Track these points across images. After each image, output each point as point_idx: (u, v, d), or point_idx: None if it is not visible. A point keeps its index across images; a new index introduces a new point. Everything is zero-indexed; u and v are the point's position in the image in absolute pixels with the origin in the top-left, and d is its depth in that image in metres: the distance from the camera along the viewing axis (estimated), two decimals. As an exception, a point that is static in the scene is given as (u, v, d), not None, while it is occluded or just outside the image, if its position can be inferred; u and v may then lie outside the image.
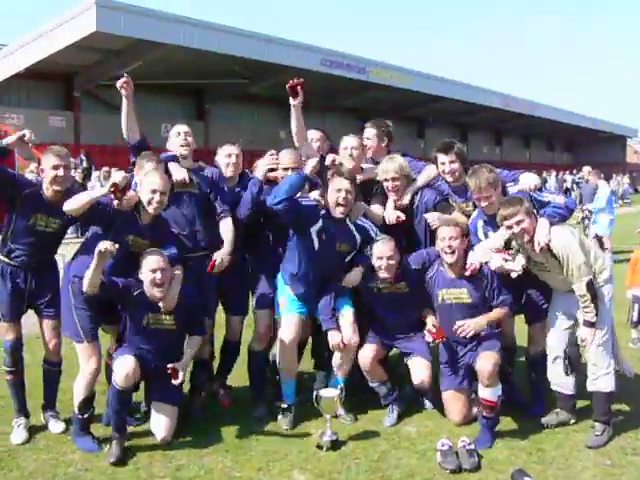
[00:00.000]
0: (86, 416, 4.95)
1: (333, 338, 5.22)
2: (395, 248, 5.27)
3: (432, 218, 5.38)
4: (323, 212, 5.29)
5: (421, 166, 5.87)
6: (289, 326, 5.33)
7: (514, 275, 5.12)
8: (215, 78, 28.92)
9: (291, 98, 5.48)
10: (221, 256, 5.21)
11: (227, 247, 5.31)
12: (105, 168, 21.09)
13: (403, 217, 5.44)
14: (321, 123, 24.19)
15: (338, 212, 5.25)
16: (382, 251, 5.23)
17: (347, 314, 5.34)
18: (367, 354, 5.38)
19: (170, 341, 5.08)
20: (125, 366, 4.78)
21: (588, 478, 4.47)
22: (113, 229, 4.94)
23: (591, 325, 4.90)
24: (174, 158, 5.50)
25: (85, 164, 22.39)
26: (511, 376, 5.74)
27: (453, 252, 5.13)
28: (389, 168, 5.51)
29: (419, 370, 5.38)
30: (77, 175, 19.41)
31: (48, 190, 4.99)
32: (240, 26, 27.11)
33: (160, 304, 4.97)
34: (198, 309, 5.22)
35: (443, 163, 5.52)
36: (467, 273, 5.16)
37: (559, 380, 5.26)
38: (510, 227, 4.90)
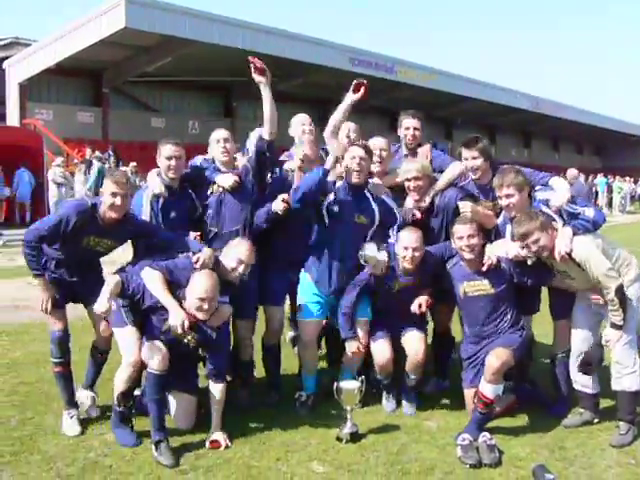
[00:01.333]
0: (123, 409, 4.87)
1: (351, 347, 5.33)
2: (421, 239, 5.24)
3: (464, 206, 5.27)
4: (338, 185, 5.35)
5: (449, 161, 5.83)
6: (307, 330, 5.50)
7: (530, 262, 5.04)
8: (243, 76, 28.87)
9: (352, 93, 5.55)
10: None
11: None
12: (133, 163, 21.26)
13: (419, 215, 5.43)
14: (348, 122, 24.12)
15: (354, 178, 5.26)
16: (409, 241, 5.21)
17: (363, 321, 5.45)
18: (386, 354, 5.40)
19: (190, 351, 4.99)
20: (158, 350, 4.73)
21: (611, 477, 4.41)
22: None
23: (618, 328, 4.83)
24: (213, 169, 5.53)
25: (113, 159, 22.59)
26: (528, 371, 5.71)
27: (472, 250, 5.09)
28: (411, 168, 5.48)
29: (413, 342, 5.40)
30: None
31: (105, 214, 4.93)
32: (267, 24, 27.20)
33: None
34: (224, 348, 5.11)
35: (466, 159, 5.48)
36: (484, 269, 5.11)
37: (583, 379, 5.19)
38: (528, 246, 4.84)
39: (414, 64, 34.23)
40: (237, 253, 5.00)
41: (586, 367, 5.10)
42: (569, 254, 4.77)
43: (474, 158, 5.43)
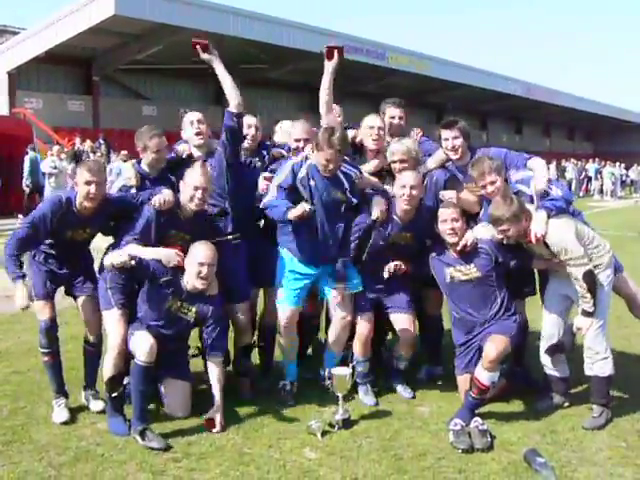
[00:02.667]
0: (115, 395, 4.85)
1: None
2: (420, 180, 5.29)
3: (448, 195, 5.32)
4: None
5: (435, 148, 5.82)
6: (283, 317, 5.40)
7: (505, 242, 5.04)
8: (233, 63, 28.86)
9: (326, 60, 5.43)
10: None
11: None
12: (124, 152, 21.14)
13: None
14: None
15: (328, 172, 5.15)
16: (407, 179, 5.22)
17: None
18: (365, 328, 5.41)
19: (186, 331, 5.05)
20: (146, 340, 4.73)
21: (602, 460, 4.43)
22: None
23: (589, 315, 4.87)
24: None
25: (104, 148, 22.48)
26: (523, 355, 5.73)
27: (455, 233, 5.09)
28: (397, 150, 5.44)
29: (402, 320, 5.43)
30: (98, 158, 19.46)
31: (81, 205, 4.92)
32: (259, 10, 27.10)
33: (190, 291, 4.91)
34: (222, 322, 5.13)
35: (446, 139, 5.47)
36: (458, 248, 5.11)
37: (553, 364, 5.24)
38: (498, 231, 4.91)
39: (405, 50, 34.17)
40: (191, 181, 4.97)
41: (554, 351, 5.14)
42: (543, 237, 4.80)
43: (455, 138, 5.44)
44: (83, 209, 4.93)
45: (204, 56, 5.38)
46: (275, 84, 34.02)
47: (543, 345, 5.26)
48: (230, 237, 5.37)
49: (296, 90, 35.45)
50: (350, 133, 5.66)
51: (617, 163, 40.93)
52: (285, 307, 5.38)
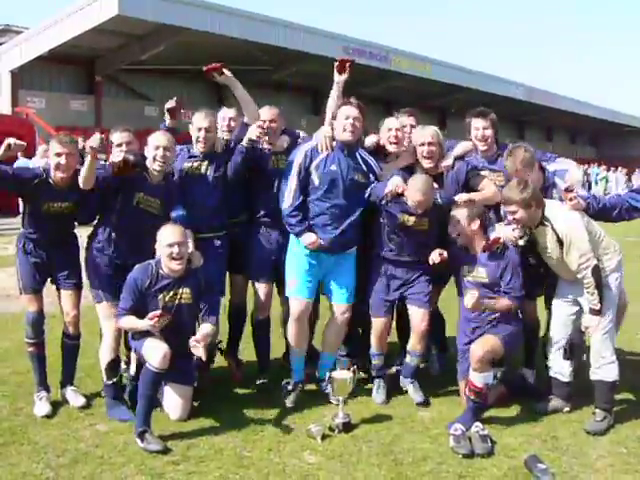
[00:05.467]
0: (115, 381, 4.99)
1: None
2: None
3: (460, 197, 5.20)
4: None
5: (453, 143, 5.82)
6: (297, 309, 5.38)
7: (521, 242, 5.04)
8: (237, 64, 28.69)
9: (337, 73, 5.44)
10: None
11: None
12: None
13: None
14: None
15: (346, 137, 5.23)
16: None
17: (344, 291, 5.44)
18: (381, 322, 5.44)
19: (186, 319, 5.01)
20: (160, 347, 4.72)
21: (603, 467, 4.41)
22: (122, 191, 5.10)
23: (596, 313, 4.85)
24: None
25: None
26: (534, 356, 5.75)
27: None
28: (425, 133, 5.41)
29: (417, 316, 5.38)
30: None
31: (55, 176, 5.03)
32: (262, 12, 27.07)
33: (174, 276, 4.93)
34: (213, 289, 5.18)
35: (477, 128, 5.48)
36: (486, 247, 5.05)
37: (559, 367, 5.23)
38: (506, 212, 4.90)
39: (409, 53, 34.07)
40: (152, 141, 5.12)
41: (570, 353, 5.11)
42: (553, 228, 4.80)
43: (485, 128, 5.46)
44: (59, 180, 5.02)
45: (220, 79, 5.42)
46: (278, 86, 33.97)
47: (552, 349, 5.24)
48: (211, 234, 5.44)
49: (299, 93, 35.43)
50: (372, 139, 5.67)
51: (619, 168, 40.81)
52: (298, 299, 5.38)
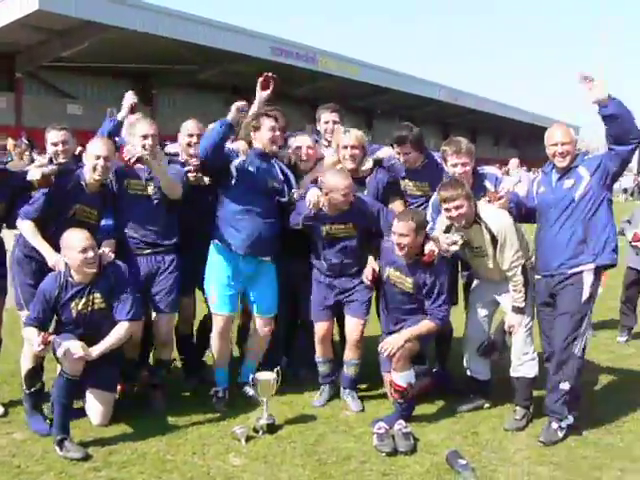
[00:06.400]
0: (33, 390, 4.83)
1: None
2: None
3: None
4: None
5: (377, 147, 5.86)
6: (219, 325, 5.36)
7: (453, 249, 5.03)
8: (163, 63, 28.50)
9: (260, 89, 5.42)
10: None
11: None
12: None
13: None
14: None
15: (268, 148, 5.26)
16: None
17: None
18: (323, 327, 5.44)
19: (102, 324, 4.87)
20: (74, 352, 4.56)
21: (521, 459, 4.55)
22: (57, 201, 4.94)
23: (520, 311, 4.99)
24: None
25: (24, 146, 21.80)
26: (447, 362, 5.83)
27: (402, 248, 4.95)
28: (349, 136, 5.42)
29: (351, 325, 5.39)
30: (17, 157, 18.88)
31: None
32: (189, 10, 26.81)
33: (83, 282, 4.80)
34: (126, 284, 4.97)
35: (399, 153, 5.47)
36: (425, 259, 5.00)
37: (475, 367, 5.36)
38: (448, 210, 4.91)
39: (336, 54, 34.34)
40: (93, 150, 4.96)
41: (489, 351, 5.24)
42: (488, 227, 4.89)
43: (406, 154, 5.42)
44: None
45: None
46: (205, 86, 33.69)
47: (467, 350, 5.36)
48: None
49: (226, 92, 35.23)
50: (285, 157, 5.63)
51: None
52: (220, 315, 5.36)
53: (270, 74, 5.41)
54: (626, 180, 44.53)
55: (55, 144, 5.32)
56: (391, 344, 4.98)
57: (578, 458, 4.57)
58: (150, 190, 5.19)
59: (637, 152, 4.97)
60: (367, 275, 5.24)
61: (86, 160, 5.01)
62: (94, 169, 4.94)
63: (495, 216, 4.96)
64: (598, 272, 4.81)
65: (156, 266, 5.21)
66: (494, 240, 4.93)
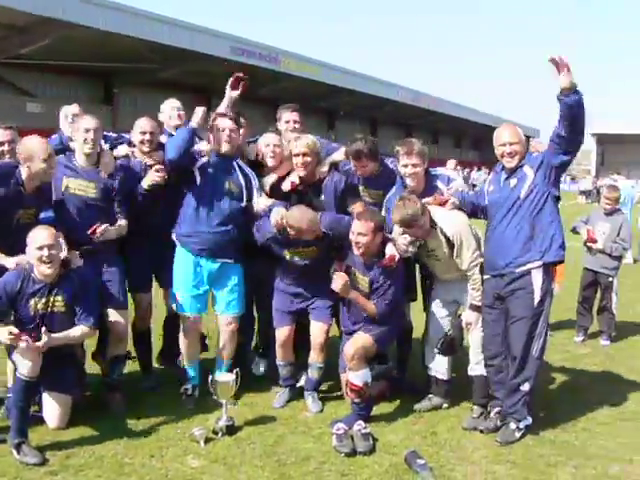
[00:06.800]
0: None
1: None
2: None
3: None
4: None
5: (335, 147, 5.89)
6: (184, 325, 5.45)
7: (412, 249, 5.08)
8: (124, 62, 28.18)
9: (230, 89, 5.44)
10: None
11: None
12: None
13: (297, 181, 5.40)
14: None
15: (225, 148, 5.27)
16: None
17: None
18: (284, 332, 5.45)
19: (60, 327, 4.79)
20: (29, 354, 4.51)
21: (478, 458, 4.61)
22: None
23: (477, 309, 5.06)
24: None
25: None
26: (406, 362, 5.87)
27: (359, 247, 4.98)
28: (300, 143, 5.41)
29: (316, 329, 5.42)
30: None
31: None
32: (150, 9, 26.61)
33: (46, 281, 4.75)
34: (90, 290, 4.96)
35: (356, 166, 5.50)
36: (385, 262, 5.01)
37: (437, 366, 5.40)
38: (411, 229, 4.96)
39: (298, 55, 34.41)
40: (40, 154, 4.78)
41: (449, 348, 5.25)
42: (442, 230, 4.94)
43: (363, 167, 5.47)
44: None
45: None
46: (167, 85, 33.40)
47: (428, 348, 5.40)
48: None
49: (187, 91, 34.99)
50: (252, 150, 5.69)
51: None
52: (185, 315, 5.40)
53: (241, 74, 5.44)
54: (585, 183, 45.39)
55: (1, 143, 5.23)
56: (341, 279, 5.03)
57: (535, 456, 4.64)
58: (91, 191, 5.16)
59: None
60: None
61: (28, 161, 4.83)
62: (44, 172, 4.84)
63: (449, 219, 5.01)
64: (547, 269, 4.85)
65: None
66: (449, 243, 4.99)
